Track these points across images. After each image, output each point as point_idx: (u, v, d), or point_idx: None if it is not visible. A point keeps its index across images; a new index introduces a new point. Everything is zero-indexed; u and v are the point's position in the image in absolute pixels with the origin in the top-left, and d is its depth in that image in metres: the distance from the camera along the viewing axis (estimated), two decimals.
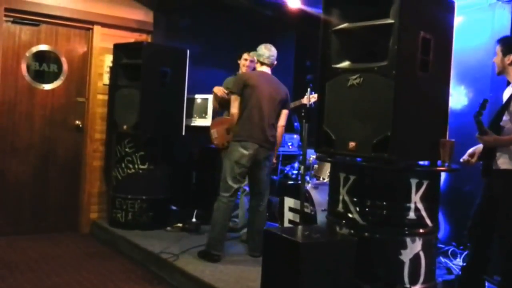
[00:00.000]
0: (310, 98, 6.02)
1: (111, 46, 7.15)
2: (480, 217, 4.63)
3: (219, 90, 6.54)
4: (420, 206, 3.93)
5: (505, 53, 4.47)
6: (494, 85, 5.17)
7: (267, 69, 5.81)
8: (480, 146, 4.55)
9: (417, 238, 3.93)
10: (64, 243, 6.77)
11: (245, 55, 6.56)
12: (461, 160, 4.62)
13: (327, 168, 6.35)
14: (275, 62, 5.82)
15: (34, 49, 6.98)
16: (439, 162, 4.03)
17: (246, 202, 6.33)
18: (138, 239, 6.35)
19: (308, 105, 5.92)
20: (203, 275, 5.08)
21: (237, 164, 5.57)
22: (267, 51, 5.76)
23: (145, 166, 6.89)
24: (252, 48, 6.29)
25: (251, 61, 6.46)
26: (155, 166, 6.95)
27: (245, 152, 5.55)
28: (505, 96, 4.51)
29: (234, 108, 5.64)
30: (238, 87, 5.63)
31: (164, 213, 7.06)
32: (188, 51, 7.24)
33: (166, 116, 7.01)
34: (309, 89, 5.81)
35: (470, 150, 4.65)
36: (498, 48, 4.53)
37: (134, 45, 7.09)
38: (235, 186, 5.62)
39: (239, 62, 6.63)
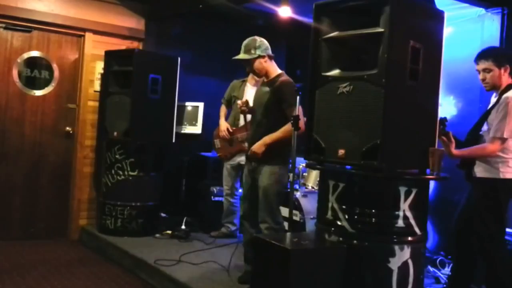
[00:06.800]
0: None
1: (103, 53, 7.15)
2: (461, 224, 4.67)
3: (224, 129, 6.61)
4: (408, 214, 3.93)
5: (499, 65, 4.42)
6: (484, 95, 5.21)
7: None
8: None
9: (405, 246, 3.92)
10: (53, 249, 6.76)
11: None
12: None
13: (314, 176, 6.37)
14: None
15: (26, 55, 6.99)
16: (428, 170, 4.05)
17: None
18: (127, 246, 6.35)
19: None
20: (191, 282, 5.09)
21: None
22: (265, 40, 5.08)
23: (135, 173, 6.88)
24: None
25: None
26: (145, 173, 6.95)
27: None
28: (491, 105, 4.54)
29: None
30: None
31: (154, 220, 7.05)
32: (179, 59, 7.26)
33: (157, 123, 7.01)
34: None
35: None
36: (490, 64, 4.44)
37: (126, 52, 7.11)
38: None
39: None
